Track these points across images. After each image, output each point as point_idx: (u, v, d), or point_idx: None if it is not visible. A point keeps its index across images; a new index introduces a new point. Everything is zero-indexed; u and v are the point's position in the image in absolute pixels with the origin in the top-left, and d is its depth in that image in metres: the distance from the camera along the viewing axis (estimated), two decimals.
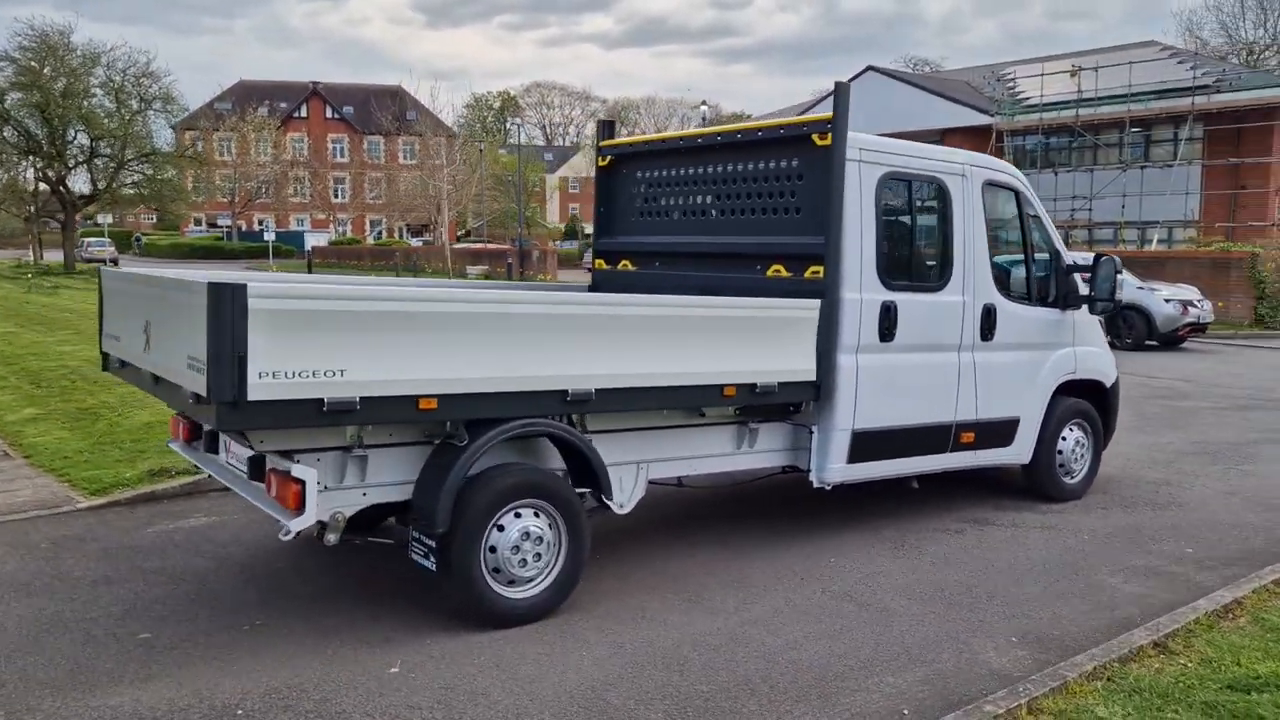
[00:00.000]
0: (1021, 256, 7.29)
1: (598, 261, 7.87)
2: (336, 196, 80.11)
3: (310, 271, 46.05)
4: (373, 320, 4.47)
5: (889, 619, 5.27)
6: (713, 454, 6.13)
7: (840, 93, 6.05)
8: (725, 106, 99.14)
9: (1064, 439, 7.61)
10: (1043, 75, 41.31)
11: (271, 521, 6.83)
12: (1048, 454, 7.51)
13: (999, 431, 7.14)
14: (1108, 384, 7.93)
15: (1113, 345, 8.54)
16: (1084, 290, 7.54)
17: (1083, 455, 7.82)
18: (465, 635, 4.92)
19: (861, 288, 6.23)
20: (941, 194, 6.70)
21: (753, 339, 5.79)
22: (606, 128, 7.86)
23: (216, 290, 4.12)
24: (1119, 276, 7.21)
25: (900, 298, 6.41)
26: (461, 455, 4.81)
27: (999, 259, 7.13)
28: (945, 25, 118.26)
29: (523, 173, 53.00)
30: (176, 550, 6.25)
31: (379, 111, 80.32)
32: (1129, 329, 19.97)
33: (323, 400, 4.36)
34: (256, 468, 4.88)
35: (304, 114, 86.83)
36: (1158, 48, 45.97)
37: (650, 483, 5.82)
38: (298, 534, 4.67)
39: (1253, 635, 4.90)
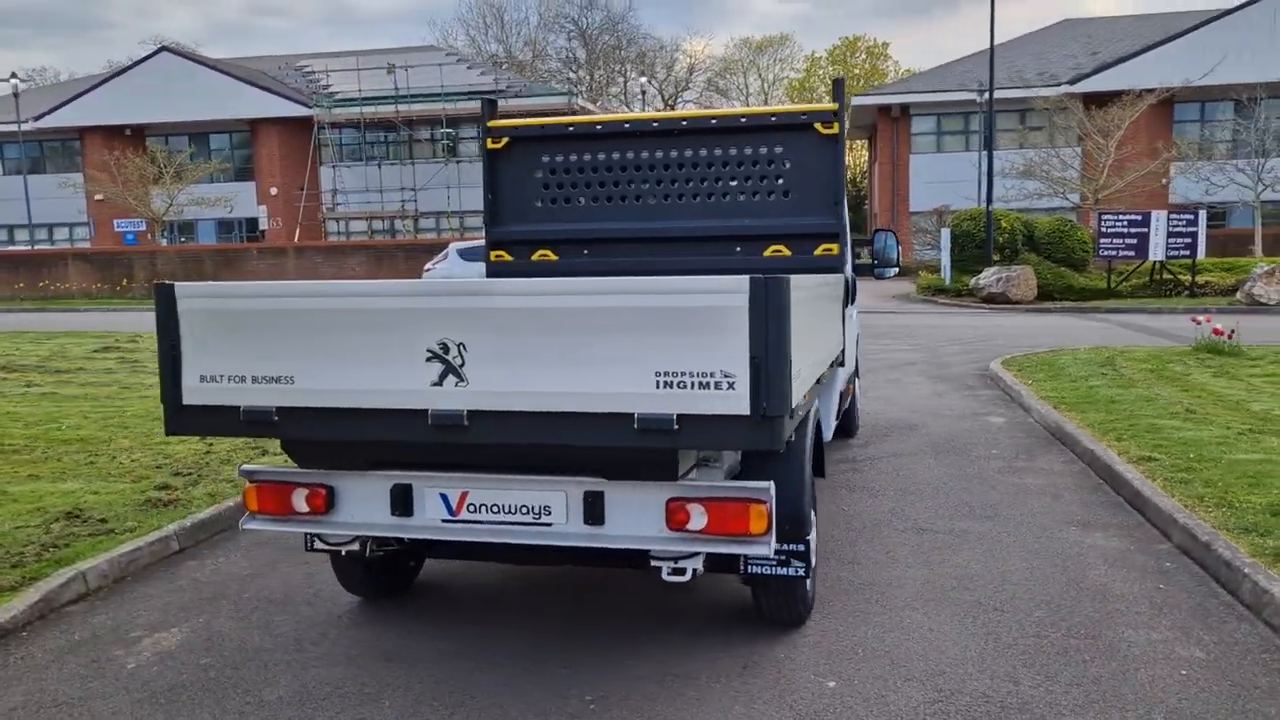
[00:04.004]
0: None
1: (495, 253, 7.16)
2: None
3: None
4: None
5: (964, 539, 6.22)
6: None
7: (838, 86, 6.65)
8: None
9: (855, 381, 9.16)
10: (359, 70, 42.72)
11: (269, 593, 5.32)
12: (851, 396, 8.98)
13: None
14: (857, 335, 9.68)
15: None
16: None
17: (857, 394, 9.48)
18: (782, 639, 4.69)
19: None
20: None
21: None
22: (489, 106, 7.14)
23: (771, 285, 3.49)
24: (898, 246, 8.91)
25: (847, 269, 7.28)
26: (804, 448, 4.55)
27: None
28: (140, 9, 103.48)
29: None
30: (217, 679, 4.47)
31: None
32: None
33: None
34: (595, 508, 4.03)
35: None
36: (443, 53, 50.33)
37: None
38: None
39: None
